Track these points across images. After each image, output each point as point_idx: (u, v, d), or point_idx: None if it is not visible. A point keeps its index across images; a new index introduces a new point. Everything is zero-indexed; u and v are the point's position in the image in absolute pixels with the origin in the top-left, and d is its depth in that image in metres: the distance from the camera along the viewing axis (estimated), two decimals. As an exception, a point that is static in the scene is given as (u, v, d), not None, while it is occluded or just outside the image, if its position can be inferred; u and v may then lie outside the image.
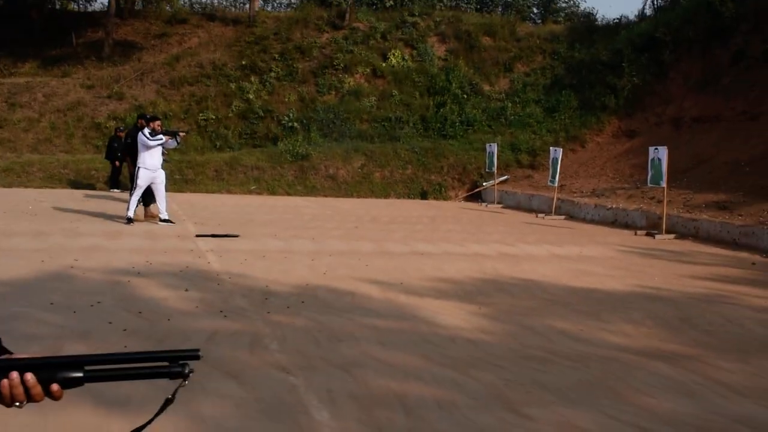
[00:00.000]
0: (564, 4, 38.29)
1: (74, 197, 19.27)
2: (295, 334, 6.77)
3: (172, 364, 1.67)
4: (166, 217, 14.79)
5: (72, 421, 4.42)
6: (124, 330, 6.65)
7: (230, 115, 28.36)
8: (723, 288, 10.21)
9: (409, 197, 24.29)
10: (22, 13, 33.39)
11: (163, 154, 14.94)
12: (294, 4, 38.76)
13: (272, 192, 23.45)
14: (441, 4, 35.20)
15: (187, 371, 1.66)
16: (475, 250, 12.87)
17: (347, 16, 32.57)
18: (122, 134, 21.39)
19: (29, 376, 1.58)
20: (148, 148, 14.34)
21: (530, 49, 31.71)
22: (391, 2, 34.61)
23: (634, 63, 26.39)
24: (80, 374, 1.63)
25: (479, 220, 18.76)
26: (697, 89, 23.80)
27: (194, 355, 1.67)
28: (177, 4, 33.95)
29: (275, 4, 40.13)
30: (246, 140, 27.51)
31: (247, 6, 35.98)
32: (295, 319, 7.32)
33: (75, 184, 22.34)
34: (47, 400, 1.62)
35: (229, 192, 23.02)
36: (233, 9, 37.90)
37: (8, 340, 1.72)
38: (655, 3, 34.36)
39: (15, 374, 1.57)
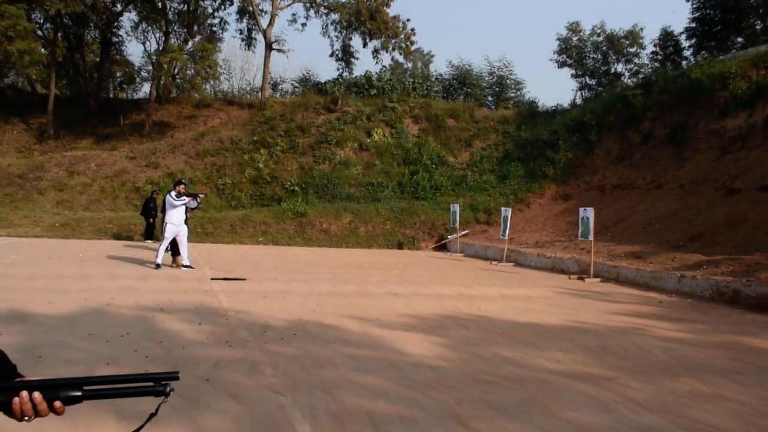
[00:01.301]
0: (513, 94, 38.72)
1: (116, 247, 19.10)
2: (287, 361, 6.64)
3: (156, 384, 1.66)
4: (188, 264, 14.65)
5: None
6: (146, 356, 6.51)
7: (243, 180, 28.37)
8: (636, 322, 10.17)
9: (388, 248, 24.22)
10: (82, 100, 33.51)
11: (187, 211, 14.86)
12: (297, 92, 39.03)
13: (276, 243, 23.33)
14: (415, 92, 35.54)
15: (167, 390, 1.66)
16: (439, 291, 12.78)
17: (339, 101, 32.85)
18: (157, 196, 21.31)
19: (36, 395, 1.61)
20: (174, 207, 14.28)
21: (486, 129, 32.03)
22: (375, 91, 34.93)
23: (568, 141, 26.77)
24: (79, 393, 1.64)
25: (444, 266, 18.70)
26: (616, 162, 24.19)
27: (174, 376, 1.68)
28: (203, 93, 34.14)
29: (282, 92, 40.34)
30: (256, 201, 27.49)
31: (260, 93, 36.18)
32: (287, 348, 7.19)
33: (117, 236, 22.15)
34: (51, 415, 1.64)
35: (241, 243, 22.89)
36: (248, 96, 38.08)
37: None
38: (583, 95, 35.11)
39: (25, 393, 1.60)
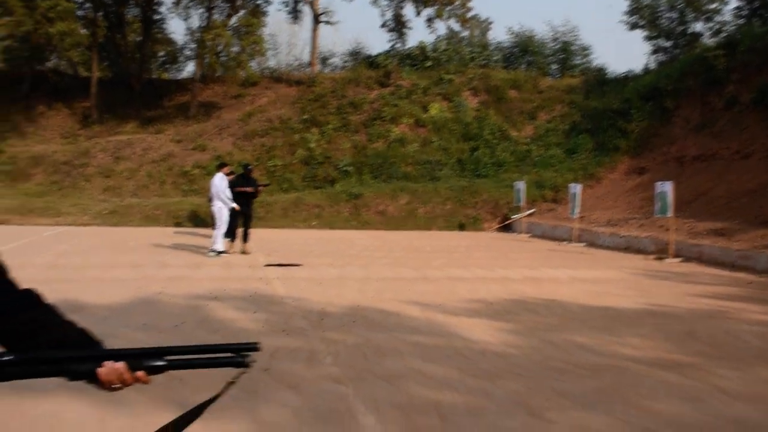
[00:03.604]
0: (579, 61, 38.00)
1: (165, 234, 19.57)
2: (347, 349, 6.73)
3: (236, 356, 1.71)
4: (220, 249, 14.84)
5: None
6: (202, 347, 6.67)
7: (294, 161, 28.65)
8: (723, 305, 9.94)
9: (448, 229, 24.17)
10: (125, 82, 34.30)
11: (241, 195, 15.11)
12: (347, 66, 39.10)
13: (330, 226, 23.54)
14: (473, 63, 35.22)
15: (247, 361, 1.70)
16: (505, 275, 12.73)
17: (393, 75, 32.79)
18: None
19: (121, 364, 1.66)
20: (223, 192, 14.60)
21: (551, 100, 31.58)
22: (430, 63, 34.75)
23: (641, 110, 26.18)
24: (162, 363, 1.69)
25: (509, 248, 18.59)
26: (696, 131, 23.49)
27: (254, 347, 1.72)
28: (249, 70, 34.47)
29: (332, 67, 40.50)
30: (308, 182, 27.74)
31: (308, 69, 36.40)
32: (347, 336, 7.29)
33: (166, 223, 22.69)
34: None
35: (293, 227, 23.18)
36: (296, 72, 38.34)
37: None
38: (657, 58, 34.18)
39: (111, 363, 1.66)
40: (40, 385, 3.18)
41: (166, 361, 1.70)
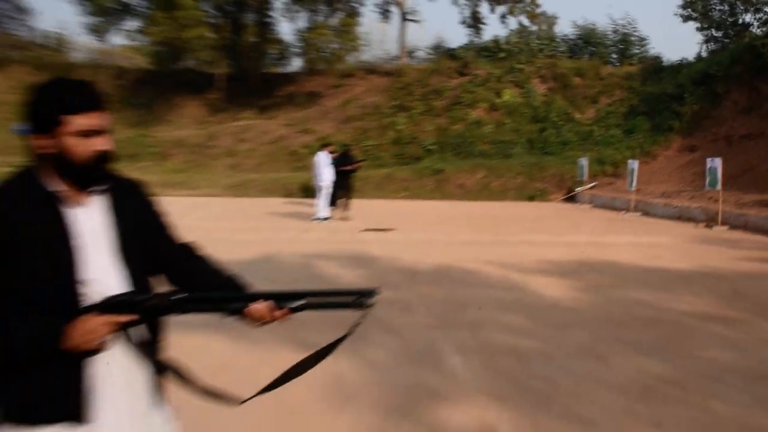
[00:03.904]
0: (637, 50, 36.38)
1: (279, 204, 20.06)
2: (435, 301, 6.83)
3: (359, 298, 1.74)
4: (324, 216, 15.17)
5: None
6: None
7: (385, 141, 28.70)
8: (766, 267, 9.54)
9: (519, 200, 23.81)
10: (244, 77, 35.08)
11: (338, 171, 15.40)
12: (431, 58, 38.73)
13: (416, 198, 23.59)
14: (541, 53, 34.26)
15: (370, 303, 1.74)
16: (571, 240, 12.52)
17: (470, 65, 32.32)
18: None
19: (268, 304, 1.72)
20: (326, 166, 14.95)
21: (611, 86, 30.42)
22: (503, 54, 34.00)
23: (693, 94, 24.93)
24: (300, 303, 1.74)
25: (573, 216, 18.20)
26: (744, 113, 22.20)
27: (374, 292, 1.75)
28: (347, 63, 34.62)
29: (417, 59, 40.17)
30: (397, 160, 27.75)
31: (397, 61, 36.29)
32: (435, 290, 7.38)
33: (279, 195, 23.24)
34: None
35: (385, 198, 23.34)
36: (386, 64, 38.20)
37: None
38: (709, 47, 32.51)
39: (260, 302, 1.71)
40: (191, 324, 3.39)
41: (303, 302, 1.75)
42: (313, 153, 19.04)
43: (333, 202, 15.58)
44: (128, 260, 1.76)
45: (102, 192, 1.76)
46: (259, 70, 36.20)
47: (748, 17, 32.00)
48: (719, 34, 33.06)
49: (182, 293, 1.73)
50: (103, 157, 1.70)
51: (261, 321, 1.73)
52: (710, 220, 15.76)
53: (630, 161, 20.46)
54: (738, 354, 5.14)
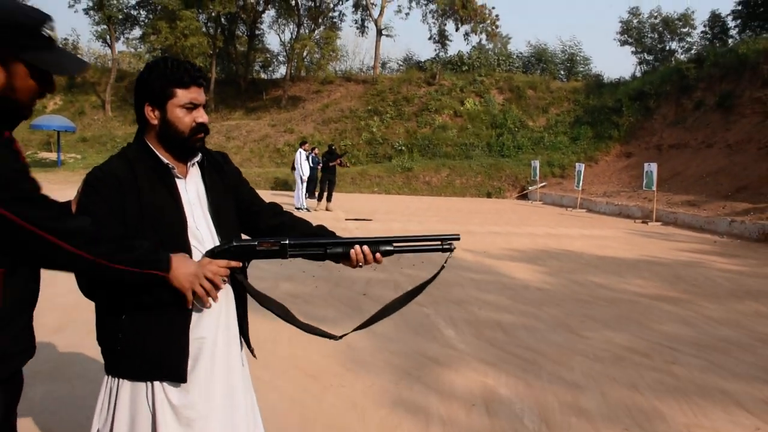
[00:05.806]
0: (582, 68, 36.88)
1: (264, 196, 19.80)
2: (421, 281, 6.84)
3: (443, 243, 1.75)
4: (299, 206, 15.28)
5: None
6: (313, 276, 6.88)
7: (360, 142, 28.59)
8: (698, 257, 9.80)
9: (479, 197, 24.04)
10: (234, 82, 34.55)
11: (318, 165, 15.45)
12: (402, 69, 38.70)
13: (388, 192, 23.61)
14: (499, 68, 34.49)
15: (452, 247, 1.74)
16: (530, 231, 12.68)
17: (437, 76, 32.38)
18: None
19: (366, 248, 1.74)
20: (304, 161, 15.01)
21: (559, 98, 30.78)
22: (466, 67, 34.13)
23: (630, 108, 25.55)
24: (391, 247, 1.74)
25: (528, 212, 18.44)
26: (672, 125, 22.96)
27: (456, 237, 1.76)
28: (327, 72, 34.34)
29: (389, 69, 40.11)
30: (371, 158, 27.70)
31: (372, 71, 36.17)
32: (420, 272, 7.41)
33: (264, 188, 23.04)
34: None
35: (360, 192, 23.30)
36: (362, 73, 38.05)
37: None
38: (642, 68, 33.53)
39: (358, 247, 1.73)
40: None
41: (394, 246, 1.75)
42: (296, 150, 18.99)
43: (320, 196, 15.56)
44: (223, 223, 1.75)
45: (198, 164, 1.75)
46: (248, 75, 35.74)
47: (674, 44, 33.66)
48: (650, 57, 34.19)
49: (291, 239, 1.71)
50: (202, 128, 1.69)
51: (361, 263, 1.74)
52: (646, 217, 16.15)
53: (577, 164, 20.78)
54: (689, 328, 5.30)
